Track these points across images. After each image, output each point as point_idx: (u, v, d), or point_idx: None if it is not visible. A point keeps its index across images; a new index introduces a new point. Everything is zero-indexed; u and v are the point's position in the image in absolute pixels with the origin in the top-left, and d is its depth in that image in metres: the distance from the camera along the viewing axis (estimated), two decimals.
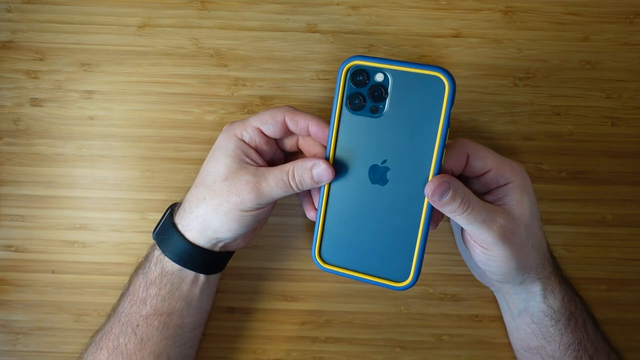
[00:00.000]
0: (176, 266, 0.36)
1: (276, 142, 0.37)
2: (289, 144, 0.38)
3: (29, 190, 0.43)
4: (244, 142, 0.35)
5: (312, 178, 0.33)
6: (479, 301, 0.44)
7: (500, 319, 0.43)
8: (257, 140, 0.35)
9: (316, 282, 0.44)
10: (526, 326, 0.38)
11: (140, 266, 0.38)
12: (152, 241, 0.38)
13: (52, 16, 0.43)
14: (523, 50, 0.43)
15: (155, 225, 0.39)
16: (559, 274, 0.38)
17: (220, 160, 0.35)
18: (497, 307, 0.43)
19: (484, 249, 0.34)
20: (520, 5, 0.43)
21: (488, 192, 0.36)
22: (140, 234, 0.44)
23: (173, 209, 0.38)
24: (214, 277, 0.39)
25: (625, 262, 0.44)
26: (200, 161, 0.43)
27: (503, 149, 0.43)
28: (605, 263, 0.44)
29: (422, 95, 0.31)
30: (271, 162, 0.38)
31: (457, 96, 0.43)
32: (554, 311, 0.37)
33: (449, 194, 0.31)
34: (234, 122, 0.36)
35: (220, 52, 0.43)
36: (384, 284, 0.34)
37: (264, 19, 0.43)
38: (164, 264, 0.36)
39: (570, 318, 0.37)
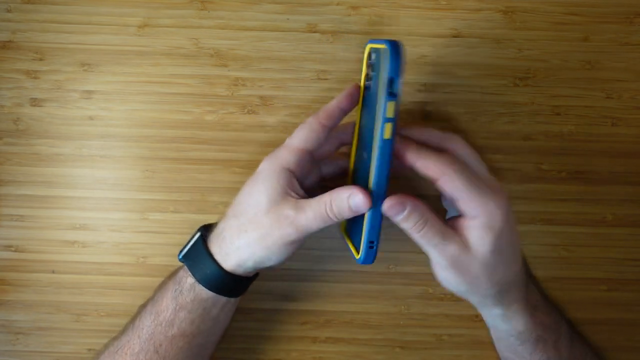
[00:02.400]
0: (211, 293, 0.36)
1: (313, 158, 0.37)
2: (326, 151, 0.38)
3: (28, 190, 0.43)
4: (289, 171, 0.35)
5: (350, 208, 0.33)
6: None
7: None
8: (303, 163, 0.36)
9: (316, 282, 0.44)
10: (498, 339, 0.39)
11: (169, 286, 0.37)
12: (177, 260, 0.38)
13: (52, 16, 0.43)
14: (523, 50, 0.43)
15: (182, 248, 0.38)
16: (526, 300, 0.37)
17: (263, 192, 0.35)
18: None
19: (439, 268, 0.34)
20: (520, 5, 0.43)
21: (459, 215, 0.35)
22: (140, 234, 0.44)
23: (204, 233, 0.38)
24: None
25: (625, 262, 0.44)
26: (200, 161, 0.43)
27: (503, 149, 0.43)
28: (605, 263, 0.44)
29: (381, 69, 0.32)
30: (311, 188, 0.37)
31: (457, 96, 0.44)
32: (519, 332, 0.37)
33: (403, 215, 0.32)
34: (276, 150, 0.36)
35: (220, 52, 0.43)
36: (352, 252, 0.35)
37: (264, 19, 0.43)
38: (198, 292, 0.36)
39: (537, 340, 0.37)
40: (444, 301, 0.44)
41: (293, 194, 0.35)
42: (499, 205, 0.33)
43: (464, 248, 0.33)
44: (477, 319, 0.44)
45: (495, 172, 0.43)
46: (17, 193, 0.43)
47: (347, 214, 0.33)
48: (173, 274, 0.38)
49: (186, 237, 0.43)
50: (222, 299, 0.36)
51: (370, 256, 0.34)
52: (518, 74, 0.43)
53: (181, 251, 0.38)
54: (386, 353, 0.44)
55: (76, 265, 0.44)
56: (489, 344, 0.43)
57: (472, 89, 0.43)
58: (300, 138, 0.35)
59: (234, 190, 0.43)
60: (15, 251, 0.44)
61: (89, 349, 0.43)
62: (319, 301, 0.44)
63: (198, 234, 0.38)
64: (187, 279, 0.36)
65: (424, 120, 0.43)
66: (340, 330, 0.44)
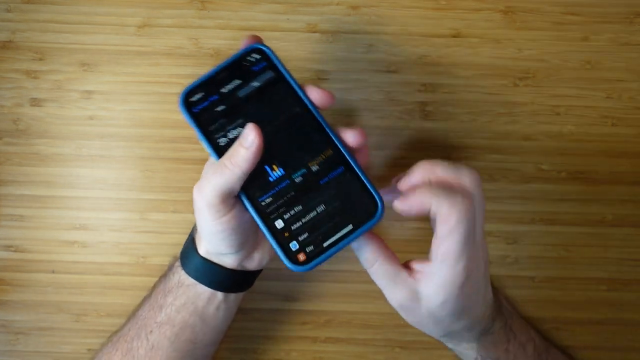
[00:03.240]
0: (191, 279, 0.36)
1: None
2: None
3: (28, 190, 0.43)
4: (216, 205, 0.32)
5: (244, 147, 0.30)
6: None
7: None
8: (228, 199, 0.33)
9: (316, 282, 0.44)
10: None
11: (164, 273, 0.38)
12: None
13: (52, 16, 0.43)
14: (523, 50, 0.43)
15: (179, 242, 0.39)
16: (500, 321, 0.37)
17: (202, 221, 0.33)
18: None
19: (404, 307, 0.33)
20: (520, 5, 0.43)
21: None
22: (140, 234, 0.44)
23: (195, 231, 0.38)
24: (234, 297, 0.38)
25: (625, 262, 0.44)
26: (200, 161, 0.43)
27: (503, 149, 0.43)
28: (605, 263, 0.44)
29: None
30: None
31: (457, 96, 0.44)
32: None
33: (355, 247, 0.32)
34: (200, 184, 0.34)
35: (220, 52, 0.43)
36: (362, 229, 0.31)
37: (264, 19, 0.43)
38: (180, 275, 0.36)
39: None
40: None
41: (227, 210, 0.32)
42: (472, 261, 0.30)
43: (412, 297, 0.32)
44: None
45: (495, 172, 0.43)
46: (17, 193, 0.43)
47: (244, 156, 0.30)
48: (169, 265, 0.39)
49: (186, 237, 0.43)
50: (206, 290, 0.36)
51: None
52: (518, 74, 0.43)
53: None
54: (386, 353, 0.44)
55: (76, 265, 0.44)
56: None
57: (472, 89, 0.43)
58: (223, 180, 0.31)
59: None
60: (15, 251, 0.44)
61: (89, 349, 0.43)
62: (319, 301, 0.44)
63: (195, 225, 0.38)
64: (175, 263, 0.37)
65: (424, 120, 0.43)
66: (340, 330, 0.44)
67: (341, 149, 0.31)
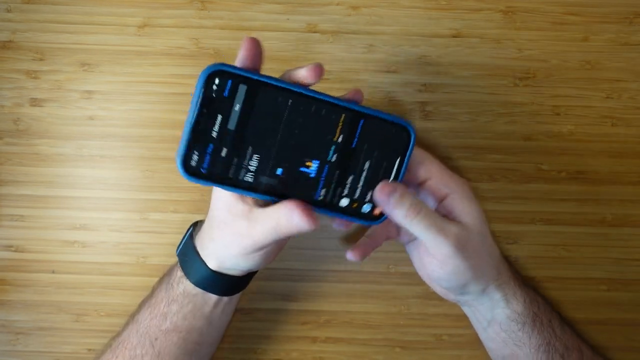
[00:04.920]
0: (198, 289, 0.36)
1: None
2: None
3: (29, 190, 0.43)
4: None
5: (297, 228, 0.31)
6: None
7: None
8: None
9: (316, 282, 0.44)
10: (497, 335, 0.39)
11: (164, 279, 0.38)
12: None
13: (52, 16, 0.43)
14: (523, 50, 0.43)
15: (178, 243, 0.38)
16: (517, 278, 0.39)
17: (220, 200, 0.33)
18: None
19: (441, 264, 0.34)
20: (520, 5, 0.43)
21: (435, 208, 0.36)
22: (140, 234, 0.44)
23: (194, 229, 0.38)
24: (236, 295, 0.38)
25: (625, 262, 0.44)
26: None
27: (503, 149, 0.43)
28: (605, 263, 0.44)
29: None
30: None
31: (457, 96, 0.44)
32: (518, 314, 0.37)
33: (395, 197, 0.31)
34: None
35: (220, 52, 0.43)
36: (408, 153, 0.33)
37: (264, 19, 0.43)
38: (186, 285, 0.36)
39: (535, 319, 0.38)
40: (444, 301, 0.44)
41: (246, 203, 0.33)
42: (466, 182, 0.36)
43: (460, 225, 0.33)
44: None
45: (495, 172, 0.44)
46: (18, 193, 0.43)
47: (294, 231, 0.31)
48: (170, 267, 0.38)
49: None
50: (213, 296, 0.36)
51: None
52: (518, 74, 0.43)
53: (178, 246, 0.38)
54: (386, 353, 0.44)
55: (76, 265, 0.44)
56: None
57: (472, 89, 0.43)
58: None
59: None
60: (15, 251, 0.44)
61: (89, 349, 0.43)
62: (319, 301, 0.44)
63: (190, 230, 0.38)
64: (177, 272, 0.36)
65: (424, 120, 0.43)
66: (340, 330, 0.44)
67: (349, 106, 0.31)
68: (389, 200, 0.31)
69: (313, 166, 0.31)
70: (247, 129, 0.30)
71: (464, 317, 0.44)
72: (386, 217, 0.33)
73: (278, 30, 0.43)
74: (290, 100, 0.30)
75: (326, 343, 0.44)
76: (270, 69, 0.43)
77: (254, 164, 0.30)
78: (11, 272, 0.44)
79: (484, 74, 0.43)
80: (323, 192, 0.32)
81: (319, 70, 0.30)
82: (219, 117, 0.29)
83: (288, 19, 0.43)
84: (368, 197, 0.32)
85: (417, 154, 0.34)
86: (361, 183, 0.32)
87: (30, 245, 0.44)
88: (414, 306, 0.44)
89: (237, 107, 0.29)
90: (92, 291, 0.44)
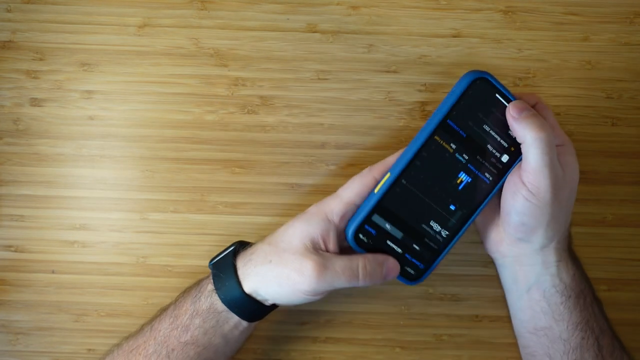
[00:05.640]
0: (224, 307, 0.36)
1: None
2: None
3: (29, 190, 0.44)
4: (331, 222, 0.35)
5: (382, 273, 0.35)
6: (479, 301, 0.44)
7: (500, 319, 0.43)
8: (348, 216, 0.35)
9: None
10: (535, 304, 0.38)
11: (191, 292, 0.37)
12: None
13: (52, 16, 0.43)
14: (523, 50, 0.43)
15: (214, 255, 0.38)
16: (572, 251, 0.39)
17: (299, 232, 0.35)
18: (498, 307, 0.43)
19: (529, 194, 0.34)
20: (520, 5, 0.43)
21: None
22: (140, 234, 0.44)
23: (238, 248, 0.38)
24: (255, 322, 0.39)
25: (625, 262, 0.44)
26: (200, 161, 0.44)
27: None
28: (605, 263, 0.44)
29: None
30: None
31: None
32: (565, 286, 0.37)
33: (531, 111, 0.34)
34: (328, 197, 0.36)
35: (220, 52, 0.43)
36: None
37: (264, 19, 0.43)
38: (213, 301, 0.36)
39: (579, 295, 0.37)
40: (444, 301, 0.44)
41: (325, 246, 0.35)
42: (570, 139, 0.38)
43: (562, 172, 0.35)
44: (477, 319, 0.44)
45: None
46: (17, 193, 0.43)
47: (377, 279, 0.35)
48: (198, 280, 0.38)
49: (186, 237, 0.43)
50: (235, 317, 0.36)
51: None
52: (518, 74, 0.43)
53: (212, 259, 0.38)
54: (386, 353, 0.44)
55: (76, 265, 0.44)
56: (489, 344, 0.43)
57: None
58: (353, 191, 0.35)
59: (234, 190, 0.43)
60: (15, 251, 0.44)
61: (89, 349, 0.43)
62: (319, 301, 0.44)
63: (232, 247, 0.38)
64: (208, 286, 0.36)
65: (424, 121, 0.43)
66: (340, 330, 0.44)
67: (430, 129, 0.35)
68: (519, 114, 0.34)
69: (463, 177, 0.36)
70: (408, 224, 0.36)
71: (464, 317, 0.44)
72: None
73: (278, 30, 0.43)
74: (405, 179, 0.35)
75: (326, 343, 0.44)
76: (270, 69, 0.44)
77: (437, 226, 0.37)
78: (11, 272, 0.44)
79: None
80: (487, 176, 0.37)
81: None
82: (391, 245, 0.37)
83: (288, 19, 0.43)
84: (509, 141, 0.36)
85: (543, 103, 0.37)
86: (496, 141, 0.36)
87: (30, 245, 0.44)
88: (414, 306, 0.44)
89: (388, 227, 0.36)
90: (92, 291, 0.44)
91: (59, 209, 0.44)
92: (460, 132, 0.35)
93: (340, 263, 0.34)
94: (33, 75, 0.43)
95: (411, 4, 0.43)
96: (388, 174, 0.35)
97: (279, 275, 0.34)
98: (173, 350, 0.36)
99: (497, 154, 0.36)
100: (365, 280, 0.34)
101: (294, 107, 0.43)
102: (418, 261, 0.37)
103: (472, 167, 0.36)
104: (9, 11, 0.43)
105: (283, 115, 0.43)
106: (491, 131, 0.35)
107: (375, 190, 0.35)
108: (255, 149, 0.43)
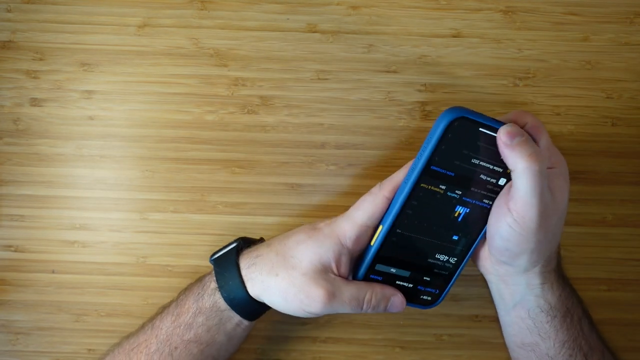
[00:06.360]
0: (227, 306, 0.36)
1: None
2: None
3: (29, 190, 0.44)
4: (344, 246, 0.34)
5: (385, 307, 0.35)
6: (479, 301, 0.44)
7: None
8: (362, 240, 0.35)
9: None
10: (521, 321, 0.37)
11: (193, 289, 0.37)
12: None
13: (52, 16, 0.43)
14: (523, 50, 0.43)
15: (215, 250, 0.38)
16: (560, 271, 0.38)
17: (310, 252, 0.34)
18: None
19: (515, 222, 0.33)
20: (520, 5, 0.43)
21: None
22: (140, 234, 0.44)
23: (241, 245, 0.37)
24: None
25: (625, 262, 0.44)
26: (200, 161, 0.43)
27: None
28: (605, 263, 0.44)
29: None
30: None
31: (457, 96, 0.44)
32: (551, 307, 0.36)
33: (523, 137, 0.32)
34: (341, 218, 0.35)
35: (220, 52, 0.43)
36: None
37: (264, 19, 0.43)
38: (217, 299, 0.36)
39: (566, 315, 0.37)
40: (444, 301, 0.44)
41: (337, 270, 0.35)
42: (564, 160, 0.36)
43: (551, 198, 0.34)
44: (477, 319, 0.44)
45: None
46: (18, 193, 0.43)
47: (380, 311, 0.35)
48: (200, 277, 0.38)
49: (186, 237, 0.43)
50: (237, 316, 0.36)
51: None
52: (518, 74, 0.43)
53: (213, 254, 0.38)
54: (386, 353, 0.44)
55: (76, 265, 0.44)
56: (489, 344, 0.43)
57: (472, 89, 0.43)
58: (365, 214, 0.34)
59: (234, 190, 0.43)
60: (15, 251, 0.44)
61: (89, 349, 0.43)
62: None
63: (235, 244, 0.38)
64: (211, 284, 0.36)
65: (424, 120, 0.43)
66: (340, 330, 0.44)
67: (414, 176, 0.34)
68: (511, 141, 0.32)
69: (460, 210, 0.35)
70: (414, 266, 0.36)
71: (464, 317, 0.44)
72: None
73: (278, 30, 0.43)
74: (399, 229, 0.35)
75: (326, 343, 0.44)
76: (270, 69, 0.44)
77: (443, 257, 0.37)
78: (11, 272, 0.44)
79: (484, 74, 0.43)
80: (486, 202, 0.36)
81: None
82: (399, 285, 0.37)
83: (288, 19, 0.43)
84: (502, 166, 0.34)
85: (535, 122, 0.34)
86: (487, 170, 0.34)
87: (30, 245, 0.44)
88: None
89: (393, 271, 0.36)
90: (92, 291, 0.44)
91: (59, 209, 0.44)
92: (447, 173, 0.33)
93: (348, 293, 0.34)
94: (33, 75, 0.43)
95: (411, 4, 0.43)
96: (380, 227, 0.34)
97: (285, 291, 0.34)
98: (176, 348, 0.36)
99: (493, 180, 0.34)
100: (368, 310, 0.35)
101: (294, 107, 0.43)
102: (431, 289, 0.37)
103: (467, 199, 0.34)
104: (9, 11, 0.43)
105: (283, 115, 0.43)
106: (481, 162, 0.34)
107: (372, 243, 0.34)
108: (255, 149, 0.43)
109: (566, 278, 0.39)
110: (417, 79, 0.43)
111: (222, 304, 0.36)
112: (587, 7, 0.43)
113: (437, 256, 0.36)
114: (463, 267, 0.37)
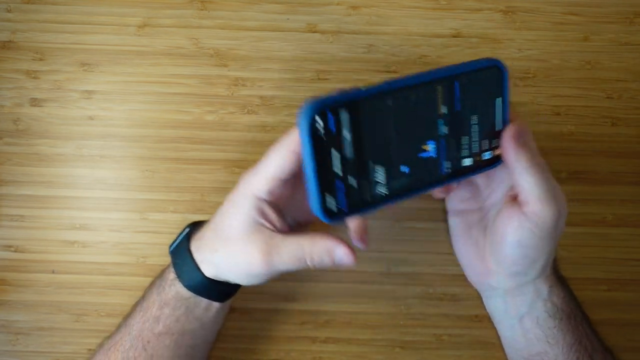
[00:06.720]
0: (190, 292, 0.36)
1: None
2: None
3: (29, 190, 0.43)
4: (262, 199, 0.33)
5: (333, 262, 0.33)
6: (479, 301, 0.43)
7: None
8: (279, 191, 0.33)
9: (316, 282, 0.44)
10: (528, 332, 0.37)
11: (156, 282, 0.38)
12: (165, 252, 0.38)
13: (52, 16, 0.43)
14: (523, 50, 0.43)
15: (172, 241, 0.38)
16: (558, 272, 0.38)
17: (234, 218, 0.33)
18: None
19: (536, 224, 0.32)
20: (520, 5, 0.43)
21: None
22: (140, 234, 0.44)
23: (192, 230, 0.37)
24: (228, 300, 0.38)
25: (625, 262, 0.44)
26: (200, 161, 0.43)
27: None
28: (605, 263, 0.44)
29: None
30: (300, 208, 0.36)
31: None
32: (557, 309, 0.36)
33: (524, 138, 0.32)
34: (249, 172, 0.33)
35: (220, 52, 0.43)
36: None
37: (264, 19, 0.43)
38: (178, 288, 0.36)
39: (570, 316, 0.36)
40: (444, 301, 0.44)
41: (267, 224, 0.33)
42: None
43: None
44: (477, 319, 0.44)
45: None
46: (18, 193, 0.43)
47: (328, 266, 0.33)
48: (161, 270, 0.38)
49: None
50: (204, 300, 0.36)
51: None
52: (518, 74, 0.43)
53: (171, 245, 0.38)
54: (386, 353, 0.44)
55: (76, 265, 0.44)
56: (489, 344, 0.43)
57: None
58: (274, 167, 0.32)
59: None
60: (15, 251, 0.44)
61: (89, 349, 0.43)
62: (319, 301, 0.44)
63: (186, 231, 0.38)
64: (170, 275, 0.36)
65: None
66: (340, 330, 0.44)
67: (440, 76, 0.31)
68: (518, 139, 0.32)
69: (430, 147, 0.32)
70: (363, 148, 0.30)
71: (464, 317, 0.44)
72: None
73: (278, 30, 0.43)
74: (390, 101, 0.30)
75: (326, 343, 0.44)
76: (270, 69, 0.44)
77: (381, 176, 0.31)
78: (11, 272, 0.44)
79: None
80: (448, 164, 0.32)
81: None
82: (336, 154, 0.29)
83: (288, 19, 0.43)
84: (486, 145, 0.33)
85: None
86: (476, 137, 0.33)
87: (30, 245, 0.44)
88: (414, 306, 0.44)
89: (347, 136, 0.29)
90: (92, 291, 0.44)
91: (59, 209, 0.44)
92: (457, 100, 0.31)
93: (286, 249, 0.33)
94: (33, 75, 0.43)
95: (411, 4, 0.43)
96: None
97: (229, 263, 0.34)
98: (149, 342, 0.36)
99: (468, 151, 0.33)
100: (316, 266, 0.33)
101: (294, 107, 0.43)
102: (345, 198, 0.30)
103: (442, 144, 0.32)
104: (9, 11, 0.43)
105: (283, 115, 0.43)
106: (478, 125, 0.32)
107: (364, 87, 0.30)
108: (255, 149, 0.43)
109: (564, 278, 0.39)
110: None
111: (184, 292, 0.35)
112: (587, 7, 0.43)
113: (378, 170, 0.31)
114: (377, 210, 0.32)
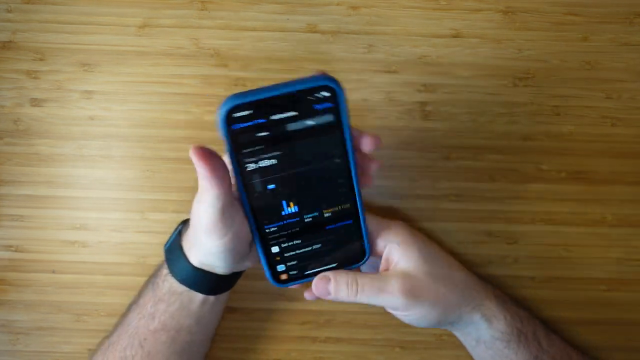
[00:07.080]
0: (183, 287, 0.36)
1: None
2: None
3: (29, 190, 0.44)
4: (218, 189, 0.31)
5: None
6: None
7: None
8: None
9: None
10: (484, 353, 0.39)
11: (150, 279, 0.38)
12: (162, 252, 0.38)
13: (52, 16, 0.43)
14: (523, 50, 0.43)
15: (167, 239, 0.38)
16: (497, 295, 0.39)
17: (201, 211, 0.31)
18: None
19: (403, 315, 0.35)
20: (520, 5, 0.43)
21: (380, 263, 0.37)
22: (140, 234, 0.44)
23: (183, 227, 0.37)
24: (224, 294, 0.38)
25: (625, 262, 0.44)
26: None
27: (503, 149, 0.43)
28: (605, 263, 0.44)
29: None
30: None
31: (457, 96, 0.44)
32: (502, 333, 0.37)
33: (331, 287, 0.34)
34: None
35: (220, 52, 0.43)
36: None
37: (264, 19, 0.43)
38: (171, 283, 0.36)
39: (519, 335, 0.38)
40: None
41: (236, 209, 0.32)
42: (401, 224, 0.38)
43: (402, 273, 0.35)
44: None
45: (495, 172, 0.43)
46: (17, 193, 0.43)
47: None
48: (156, 268, 0.38)
49: None
50: (199, 294, 0.36)
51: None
52: (518, 74, 0.43)
53: (166, 243, 0.38)
54: (386, 353, 0.44)
55: (76, 265, 0.44)
56: None
57: (472, 89, 0.43)
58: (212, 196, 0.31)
59: None
60: (15, 251, 0.44)
61: (89, 349, 0.43)
62: (319, 301, 0.44)
63: (178, 228, 0.38)
64: (163, 271, 0.36)
65: (424, 120, 0.43)
66: (340, 330, 0.44)
67: (358, 205, 0.33)
68: (328, 292, 0.34)
69: (291, 209, 0.33)
70: (293, 140, 0.30)
71: None
72: (283, 286, 0.37)
73: (278, 30, 0.43)
74: (337, 160, 0.31)
75: (326, 343, 0.44)
76: (270, 69, 0.44)
77: (265, 163, 0.30)
78: (11, 272, 0.44)
79: (484, 74, 0.43)
80: (273, 229, 0.33)
81: (378, 144, 0.33)
82: (292, 114, 0.30)
83: (288, 19, 0.43)
84: (290, 264, 0.35)
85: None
86: (300, 251, 0.35)
87: (30, 245, 0.44)
88: None
89: (309, 123, 0.30)
90: (92, 291, 0.44)
91: (59, 209, 0.44)
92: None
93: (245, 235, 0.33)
94: (33, 75, 0.43)
95: (411, 4, 0.43)
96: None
97: (206, 254, 0.34)
98: (145, 339, 0.36)
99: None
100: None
101: None
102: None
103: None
104: (9, 11, 0.43)
105: None
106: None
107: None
108: None
109: (506, 298, 0.40)
110: (417, 79, 0.43)
111: (177, 286, 0.36)
112: (587, 7, 0.43)
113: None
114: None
